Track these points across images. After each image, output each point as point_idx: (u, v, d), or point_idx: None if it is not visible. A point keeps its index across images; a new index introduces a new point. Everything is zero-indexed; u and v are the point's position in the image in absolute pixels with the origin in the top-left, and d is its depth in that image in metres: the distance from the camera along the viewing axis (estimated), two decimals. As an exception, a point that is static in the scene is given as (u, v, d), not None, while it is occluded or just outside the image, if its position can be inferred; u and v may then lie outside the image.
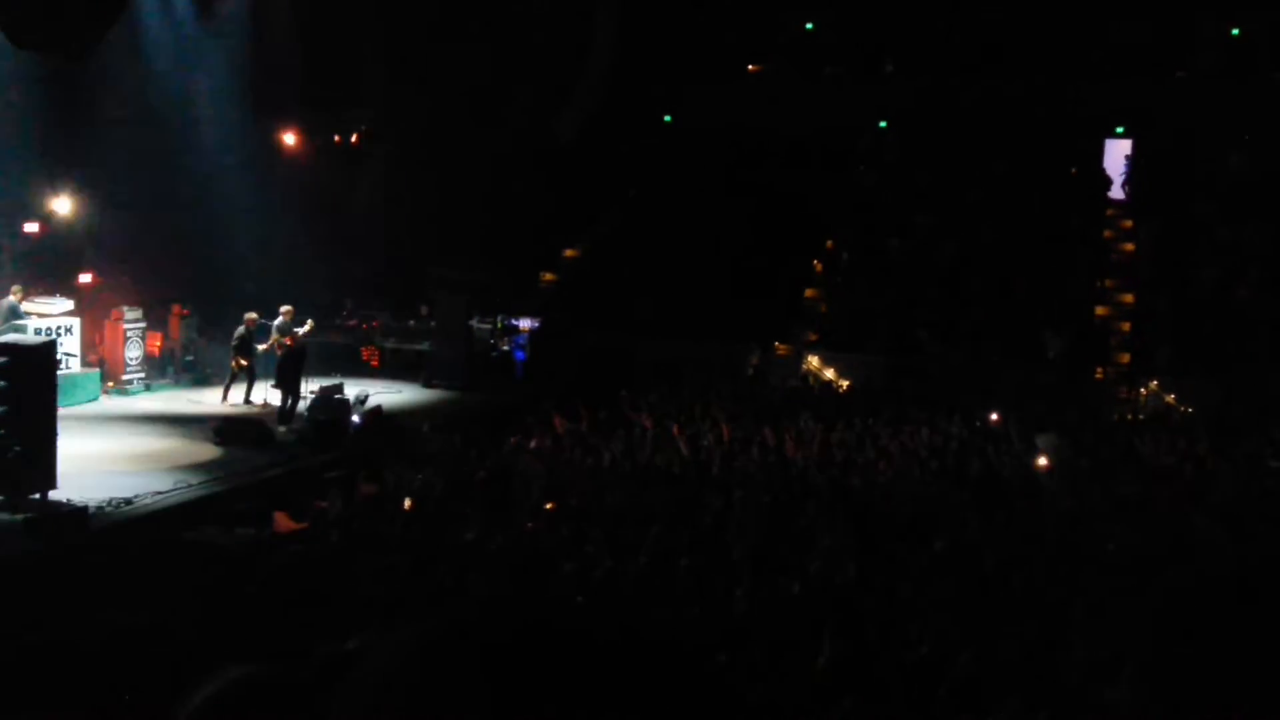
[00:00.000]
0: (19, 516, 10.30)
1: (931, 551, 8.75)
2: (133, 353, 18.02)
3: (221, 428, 14.81)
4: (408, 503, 10.78)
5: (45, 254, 18.00)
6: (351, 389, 16.56)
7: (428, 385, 20.47)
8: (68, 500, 10.88)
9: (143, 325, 18.22)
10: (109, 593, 8.29)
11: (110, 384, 17.55)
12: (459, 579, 8.06)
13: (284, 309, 17.57)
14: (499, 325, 23.04)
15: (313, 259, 20.89)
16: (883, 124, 29.34)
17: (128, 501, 11.30)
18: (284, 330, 17.21)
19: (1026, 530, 9.66)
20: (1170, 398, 19.92)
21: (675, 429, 13.94)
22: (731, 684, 4.63)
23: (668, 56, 27.98)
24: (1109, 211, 26.72)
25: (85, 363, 17.05)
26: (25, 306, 16.06)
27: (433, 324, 21.39)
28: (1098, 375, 21.38)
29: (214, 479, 12.78)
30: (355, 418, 15.58)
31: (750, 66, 31.30)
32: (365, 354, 22.16)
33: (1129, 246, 25.60)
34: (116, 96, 20.03)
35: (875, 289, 24.58)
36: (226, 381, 17.58)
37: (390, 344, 22.43)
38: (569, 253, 27.91)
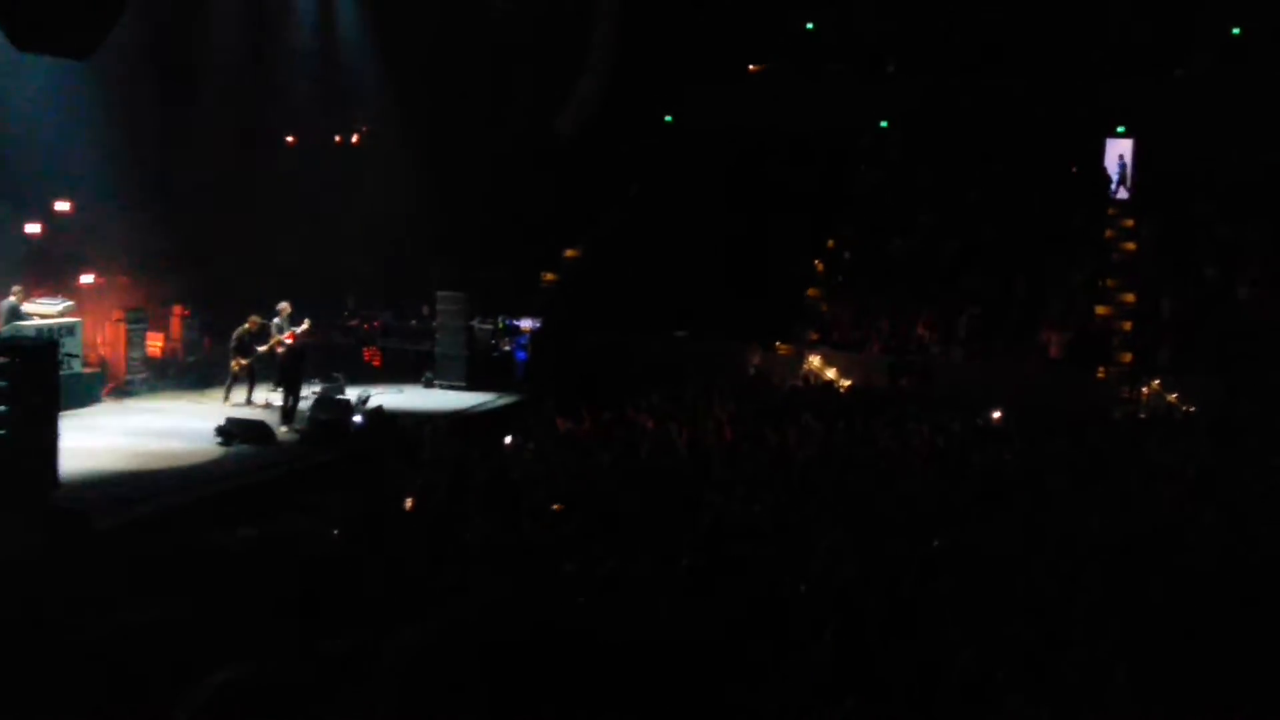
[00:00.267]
0: (20, 516, 10.31)
1: (932, 551, 8.74)
2: (134, 353, 18.05)
3: (223, 427, 14.87)
4: (409, 503, 10.78)
5: (46, 254, 17.97)
6: (353, 389, 16.59)
7: (429, 385, 20.52)
8: (69, 500, 10.89)
9: (144, 326, 18.24)
10: (110, 593, 8.29)
11: (112, 384, 17.57)
12: (460, 580, 8.05)
13: (281, 305, 17.63)
14: (500, 325, 23.06)
15: (313, 259, 20.89)
16: (884, 123, 29.34)
17: (129, 502, 11.31)
18: (281, 328, 17.25)
19: (1026, 529, 9.65)
20: (1172, 397, 19.91)
21: (676, 428, 13.94)
22: (731, 684, 4.63)
23: (668, 56, 27.94)
24: (1110, 210, 26.71)
25: (86, 363, 17.07)
26: (26, 307, 16.07)
27: (434, 324, 21.43)
28: (1100, 375, 21.37)
29: (216, 479, 12.80)
30: (357, 418, 15.61)
31: (751, 66, 31.24)
32: (367, 354, 22.23)
33: (1130, 245, 25.59)
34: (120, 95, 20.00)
35: (877, 288, 24.58)
36: (228, 382, 17.62)
37: (392, 344, 22.46)
38: (569, 252, 27.89)
